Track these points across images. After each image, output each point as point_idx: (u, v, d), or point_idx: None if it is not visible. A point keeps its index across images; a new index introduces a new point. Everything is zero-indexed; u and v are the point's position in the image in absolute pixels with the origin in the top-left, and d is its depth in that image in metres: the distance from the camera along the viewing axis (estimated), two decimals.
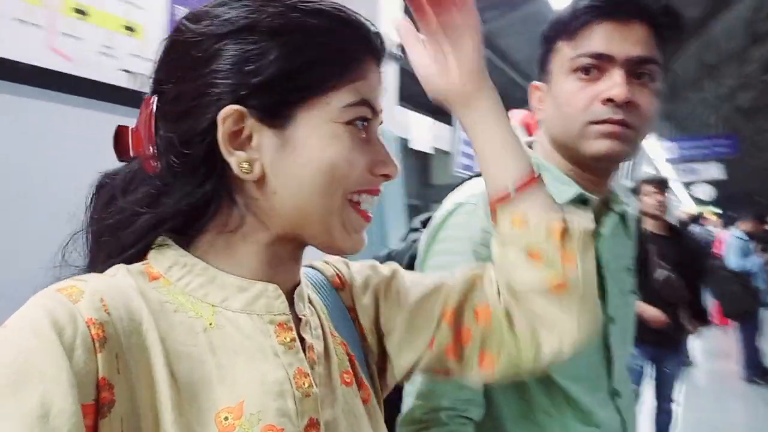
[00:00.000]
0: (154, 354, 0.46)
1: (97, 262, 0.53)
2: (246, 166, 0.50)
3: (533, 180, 0.63)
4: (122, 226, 0.52)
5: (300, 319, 0.56)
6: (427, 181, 7.19)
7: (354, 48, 0.53)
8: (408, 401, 0.82)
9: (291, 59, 0.50)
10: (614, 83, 0.85)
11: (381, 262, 0.77)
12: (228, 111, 0.49)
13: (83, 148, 0.94)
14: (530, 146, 1.00)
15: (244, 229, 0.53)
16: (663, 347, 3.01)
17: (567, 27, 0.89)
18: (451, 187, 0.96)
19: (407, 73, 0.91)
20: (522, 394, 0.89)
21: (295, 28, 0.50)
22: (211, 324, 0.50)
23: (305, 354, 0.55)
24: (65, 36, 1.05)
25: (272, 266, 0.55)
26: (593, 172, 0.94)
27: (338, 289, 0.68)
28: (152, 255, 0.52)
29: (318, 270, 0.68)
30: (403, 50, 0.63)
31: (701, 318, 3.06)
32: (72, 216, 0.55)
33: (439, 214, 0.91)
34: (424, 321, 0.65)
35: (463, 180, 0.98)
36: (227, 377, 0.48)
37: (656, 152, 10.51)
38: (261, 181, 0.51)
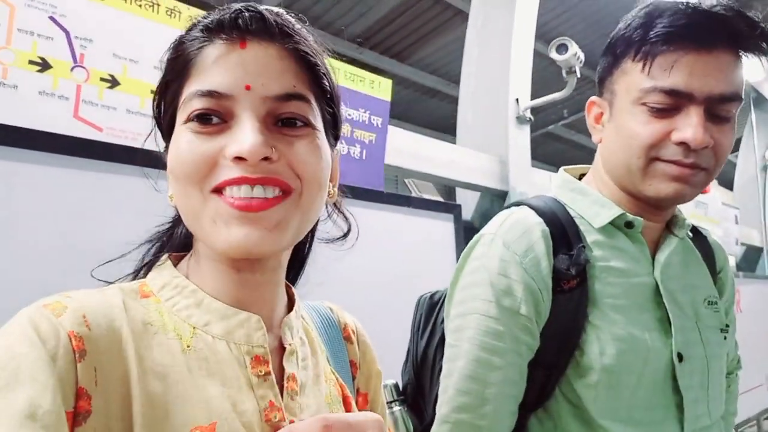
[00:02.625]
0: (131, 371, 0.47)
1: None
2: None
3: None
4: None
5: (284, 348, 0.57)
6: None
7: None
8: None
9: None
10: (690, 124, 0.73)
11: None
12: None
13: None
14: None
15: (196, 248, 0.56)
16: None
17: (639, 48, 0.76)
18: None
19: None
20: None
21: None
22: (188, 346, 0.51)
23: (284, 385, 0.55)
24: None
25: (246, 290, 0.55)
26: (651, 207, 0.82)
27: (346, 339, 0.68)
28: (152, 274, 0.56)
29: (333, 312, 0.70)
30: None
31: None
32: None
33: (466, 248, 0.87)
34: None
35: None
36: (201, 398, 0.49)
37: None
38: None
